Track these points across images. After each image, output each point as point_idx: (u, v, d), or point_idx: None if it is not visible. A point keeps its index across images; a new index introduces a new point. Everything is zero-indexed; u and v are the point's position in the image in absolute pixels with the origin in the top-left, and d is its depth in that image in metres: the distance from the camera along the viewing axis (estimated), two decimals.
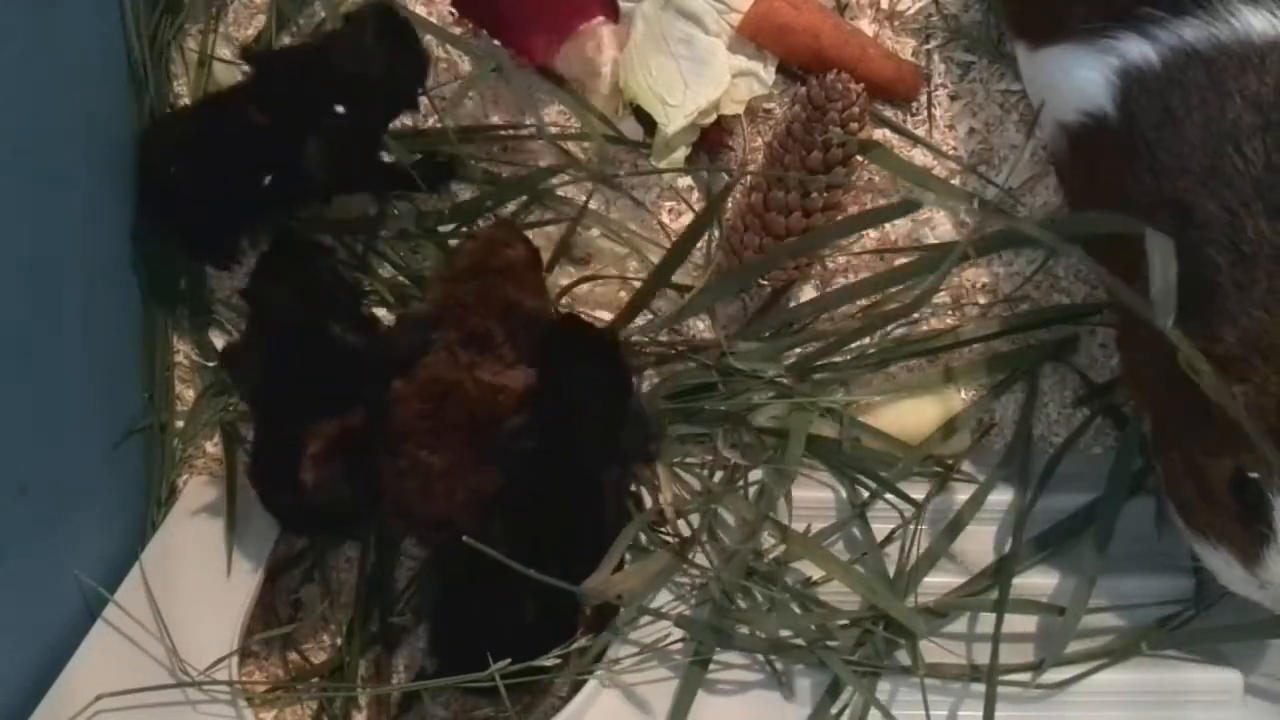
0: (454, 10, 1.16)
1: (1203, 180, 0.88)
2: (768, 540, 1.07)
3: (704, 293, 1.14)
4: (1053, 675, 1.00)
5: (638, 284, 1.16)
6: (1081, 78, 0.94)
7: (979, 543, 1.08)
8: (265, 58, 1.11)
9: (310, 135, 1.06)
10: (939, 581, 1.07)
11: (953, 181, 1.15)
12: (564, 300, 1.17)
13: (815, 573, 1.06)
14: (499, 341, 1.05)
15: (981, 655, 1.03)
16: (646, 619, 1.02)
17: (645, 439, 1.07)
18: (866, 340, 1.15)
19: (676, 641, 1.02)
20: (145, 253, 1.16)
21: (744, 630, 1.02)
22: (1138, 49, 0.91)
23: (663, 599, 1.05)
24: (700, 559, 1.06)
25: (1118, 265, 0.88)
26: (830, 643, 1.01)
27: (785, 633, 1.01)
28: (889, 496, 1.08)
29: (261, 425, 1.11)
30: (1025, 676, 1.00)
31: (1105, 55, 0.93)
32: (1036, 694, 0.99)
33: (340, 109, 1.06)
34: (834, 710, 0.99)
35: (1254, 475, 0.86)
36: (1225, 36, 0.88)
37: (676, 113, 1.09)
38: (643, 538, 1.08)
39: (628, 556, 1.06)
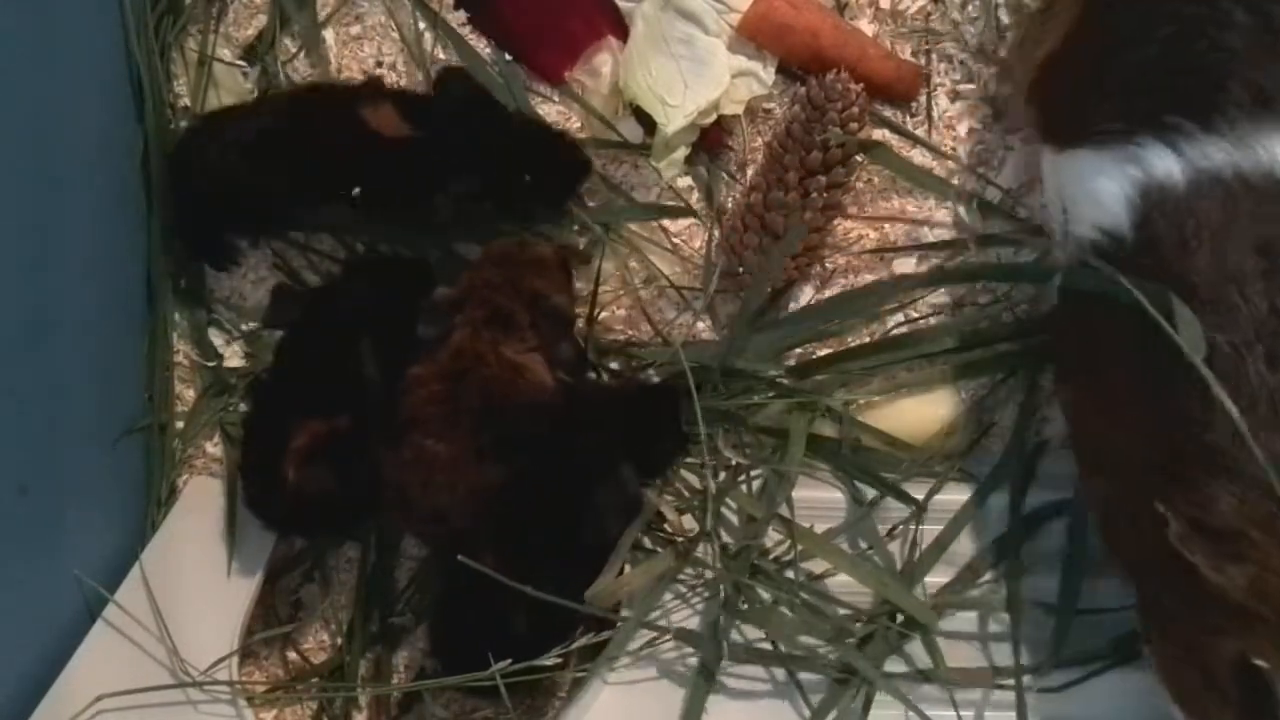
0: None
1: (1212, 313, 0.81)
2: (771, 538, 1.07)
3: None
4: (1055, 676, 1.00)
5: (639, 287, 1.16)
6: (1102, 189, 0.86)
7: (978, 543, 1.08)
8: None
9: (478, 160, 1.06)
10: (938, 582, 1.07)
11: (953, 181, 1.15)
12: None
13: (816, 572, 1.06)
14: (522, 324, 1.05)
15: (979, 657, 1.03)
16: (649, 617, 1.03)
17: (621, 514, 1.06)
18: (866, 340, 1.15)
19: (673, 641, 1.02)
20: (145, 252, 1.16)
21: (749, 634, 1.01)
22: (1163, 163, 0.83)
23: (665, 598, 1.05)
24: (699, 559, 1.06)
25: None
26: (826, 647, 1.01)
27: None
28: (890, 496, 1.08)
29: (253, 420, 1.11)
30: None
31: (1128, 166, 0.84)
32: (1037, 695, 0.99)
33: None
34: (834, 711, 0.99)
35: (1260, 664, 0.76)
36: (1248, 167, 0.81)
37: (676, 113, 1.09)
38: (644, 538, 1.08)
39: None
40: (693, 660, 1.01)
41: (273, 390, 1.10)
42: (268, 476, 1.05)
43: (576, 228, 1.16)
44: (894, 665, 1.02)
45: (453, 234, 1.16)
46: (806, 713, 1.00)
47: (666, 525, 1.10)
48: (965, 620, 1.06)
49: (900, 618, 1.03)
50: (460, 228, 1.15)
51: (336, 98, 1.11)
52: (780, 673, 1.02)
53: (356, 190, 1.06)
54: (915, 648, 1.03)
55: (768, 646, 1.02)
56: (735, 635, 1.00)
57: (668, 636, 1.02)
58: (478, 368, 1.04)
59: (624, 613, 1.03)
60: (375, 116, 1.05)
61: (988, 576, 1.07)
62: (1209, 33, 0.83)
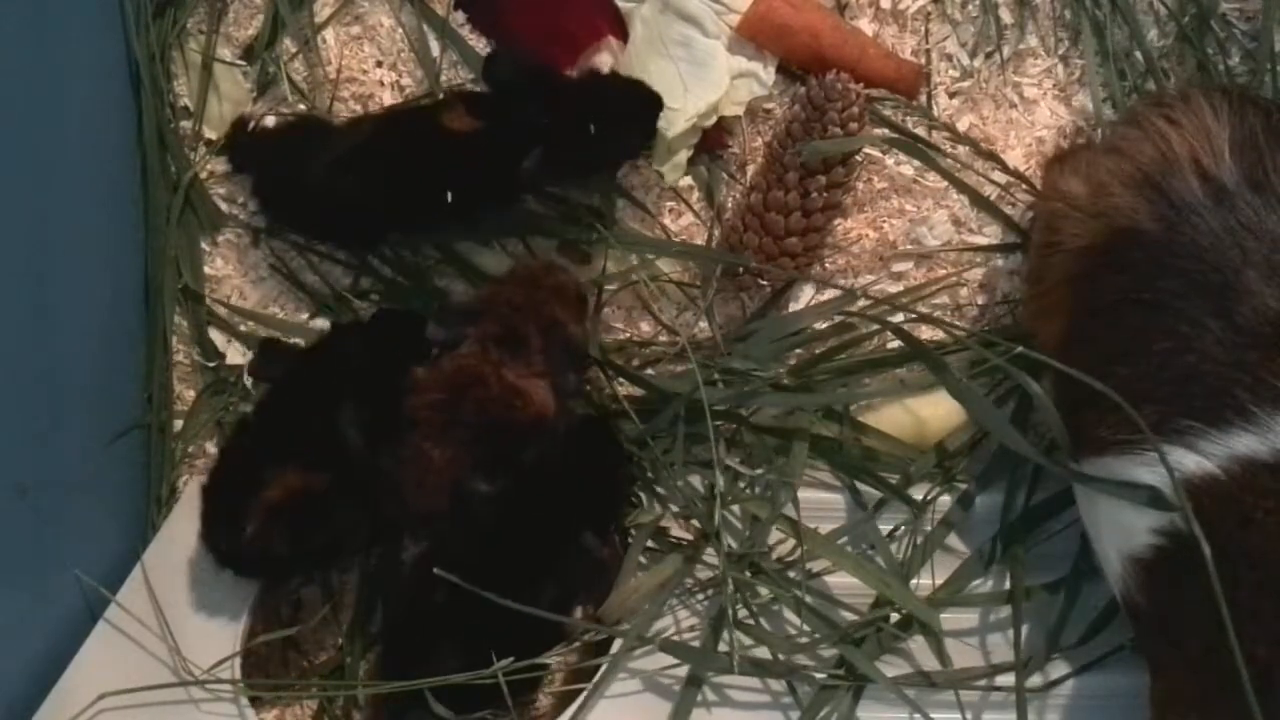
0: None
1: None
2: (773, 538, 1.07)
3: None
4: (1051, 676, 1.00)
5: (640, 280, 1.16)
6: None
7: (977, 543, 1.09)
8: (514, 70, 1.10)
9: (535, 145, 1.05)
10: (939, 582, 1.07)
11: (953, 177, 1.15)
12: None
13: (814, 571, 1.07)
14: (533, 349, 1.05)
15: (975, 657, 1.04)
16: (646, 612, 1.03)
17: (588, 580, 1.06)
18: (866, 340, 1.16)
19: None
20: (144, 252, 1.16)
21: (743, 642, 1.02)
22: (1193, 460, 0.84)
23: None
24: (705, 560, 1.06)
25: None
26: (827, 646, 1.01)
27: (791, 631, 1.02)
28: (890, 497, 1.09)
29: (228, 459, 1.09)
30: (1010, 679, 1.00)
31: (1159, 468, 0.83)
32: (1029, 694, 1.00)
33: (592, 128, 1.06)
34: (824, 709, 0.99)
35: None
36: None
37: (677, 116, 1.10)
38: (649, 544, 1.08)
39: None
40: (683, 670, 1.01)
41: (249, 440, 1.08)
42: (227, 521, 1.03)
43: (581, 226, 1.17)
44: (894, 665, 1.02)
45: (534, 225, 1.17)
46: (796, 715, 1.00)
47: (669, 531, 1.10)
48: (964, 620, 1.06)
49: (896, 617, 1.03)
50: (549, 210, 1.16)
51: (419, 112, 1.12)
52: (772, 680, 1.02)
53: (449, 194, 1.06)
54: (912, 648, 1.03)
55: (764, 654, 1.02)
56: (724, 644, 1.00)
57: (653, 647, 1.01)
58: (478, 388, 1.04)
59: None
60: (451, 119, 1.07)
61: (987, 575, 1.07)
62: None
